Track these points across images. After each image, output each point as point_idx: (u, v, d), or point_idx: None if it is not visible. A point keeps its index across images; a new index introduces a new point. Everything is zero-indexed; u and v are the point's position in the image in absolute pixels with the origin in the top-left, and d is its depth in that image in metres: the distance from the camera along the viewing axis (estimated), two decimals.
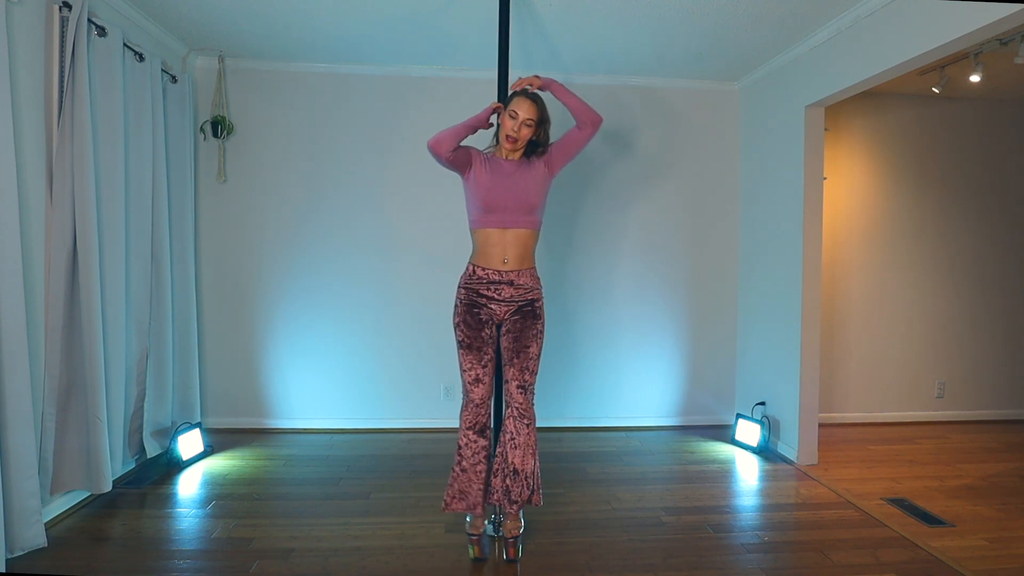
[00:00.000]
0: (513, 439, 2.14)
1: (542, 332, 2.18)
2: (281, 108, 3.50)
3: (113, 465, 2.56)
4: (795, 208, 3.16)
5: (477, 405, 2.14)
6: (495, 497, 2.17)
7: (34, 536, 2.07)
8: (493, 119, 2.23)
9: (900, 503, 2.65)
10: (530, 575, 2.06)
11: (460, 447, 2.17)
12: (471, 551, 2.13)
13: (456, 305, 2.17)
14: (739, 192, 3.79)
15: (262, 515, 2.47)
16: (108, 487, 2.42)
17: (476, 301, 2.13)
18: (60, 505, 2.39)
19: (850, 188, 3.86)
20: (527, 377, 2.14)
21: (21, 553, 2.04)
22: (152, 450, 2.90)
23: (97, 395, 2.36)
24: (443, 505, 2.18)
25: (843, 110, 3.76)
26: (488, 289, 2.12)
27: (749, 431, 3.37)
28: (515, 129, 2.09)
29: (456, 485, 2.17)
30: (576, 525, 2.39)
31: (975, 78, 3.14)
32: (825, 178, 3.29)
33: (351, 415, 3.60)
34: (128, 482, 2.74)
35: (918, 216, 3.93)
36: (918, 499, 2.70)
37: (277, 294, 3.54)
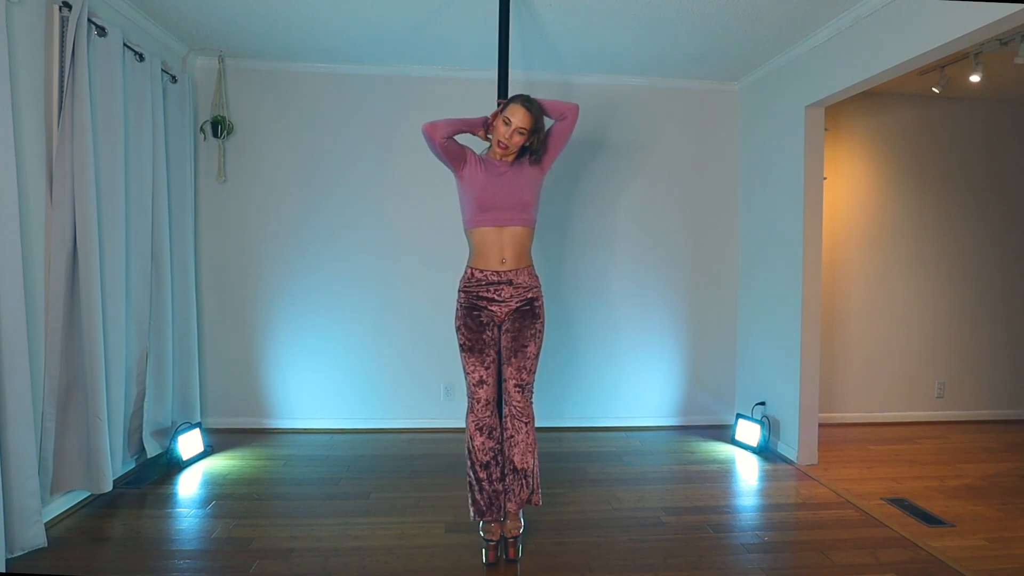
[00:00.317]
0: (512, 438, 2.14)
1: (541, 331, 2.18)
2: (281, 108, 3.50)
3: (113, 465, 2.56)
4: (795, 208, 3.16)
5: (483, 407, 2.14)
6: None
7: (34, 536, 2.07)
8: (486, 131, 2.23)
9: (900, 503, 2.65)
10: (530, 575, 2.06)
11: (470, 451, 2.15)
12: (485, 556, 2.11)
13: (456, 308, 2.17)
14: (739, 192, 3.79)
15: (262, 515, 2.47)
16: (108, 487, 2.42)
17: (476, 304, 2.13)
18: (60, 505, 2.39)
19: (850, 188, 3.86)
20: (524, 376, 2.15)
21: (21, 553, 2.04)
22: (152, 450, 2.90)
23: (97, 395, 2.36)
24: (473, 515, 2.12)
25: (843, 110, 3.76)
26: (488, 291, 2.12)
27: (749, 431, 3.37)
28: (507, 136, 2.09)
29: (481, 492, 2.12)
30: (576, 525, 2.39)
31: (975, 78, 3.14)
32: (825, 178, 3.29)
33: (351, 415, 3.60)
34: (128, 482, 2.74)
35: (918, 216, 3.93)
36: (918, 499, 2.70)
37: (277, 294, 3.54)
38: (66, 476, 2.35)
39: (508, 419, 2.16)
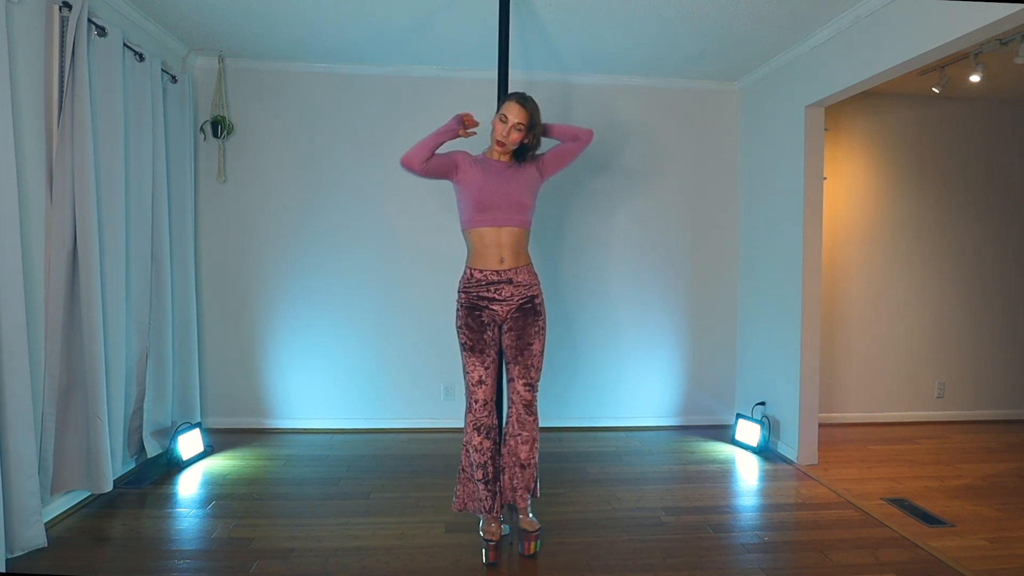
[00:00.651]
0: (520, 435, 2.16)
1: (544, 328, 2.20)
2: (281, 108, 3.50)
3: (113, 465, 2.56)
4: (795, 208, 3.16)
5: (481, 406, 2.14)
6: (507, 496, 2.20)
7: (34, 536, 2.07)
8: (476, 128, 2.23)
9: (900, 503, 2.65)
10: (530, 575, 2.06)
11: (467, 450, 2.18)
12: (484, 556, 2.11)
13: (457, 309, 2.17)
14: (739, 192, 3.79)
15: (262, 515, 2.47)
16: (108, 487, 2.42)
17: (477, 304, 2.14)
18: (60, 505, 2.39)
19: (850, 188, 3.86)
20: (532, 375, 2.16)
21: (21, 553, 2.04)
22: (152, 450, 2.90)
23: (97, 395, 2.36)
24: (454, 505, 2.20)
25: (843, 110, 3.76)
26: (488, 290, 2.12)
27: (749, 431, 3.37)
28: (504, 133, 2.11)
29: (467, 487, 2.19)
30: (576, 525, 2.39)
31: (975, 78, 3.14)
32: (825, 178, 3.29)
33: (351, 415, 3.60)
34: (128, 482, 2.74)
35: (918, 216, 3.93)
36: (918, 499, 2.70)
37: (277, 294, 3.54)
38: (66, 476, 2.35)
39: (515, 416, 2.18)
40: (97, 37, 2.42)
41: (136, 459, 2.91)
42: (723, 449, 3.37)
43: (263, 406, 3.56)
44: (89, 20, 2.36)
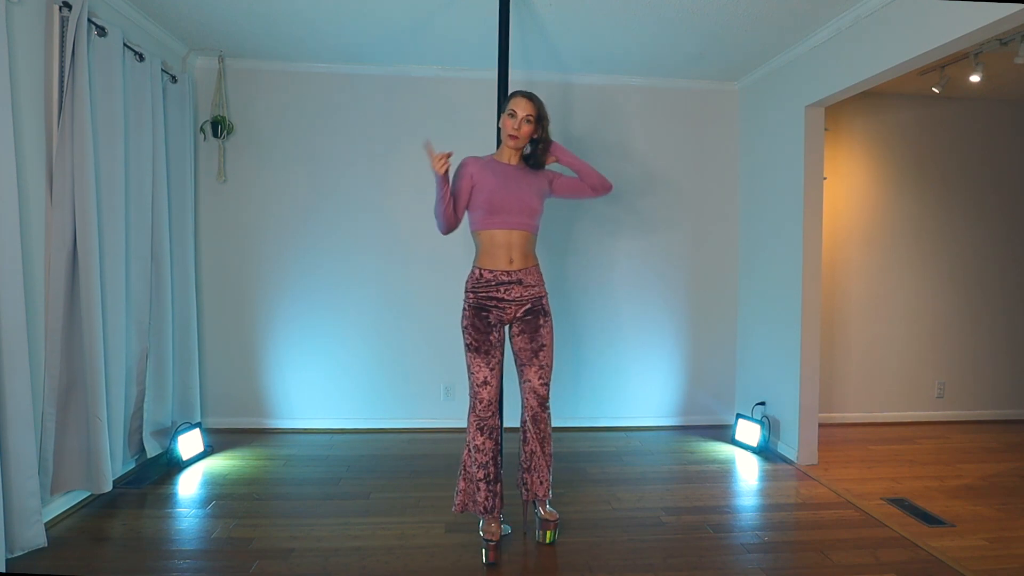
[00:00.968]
0: (538, 432, 2.21)
1: (552, 328, 2.25)
2: (281, 108, 3.50)
3: (113, 465, 2.56)
4: (795, 208, 3.16)
5: (485, 407, 2.15)
6: (530, 494, 2.25)
7: (34, 536, 2.07)
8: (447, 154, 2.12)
9: (900, 503, 2.65)
10: (531, 574, 2.06)
11: (469, 450, 2.17)
12: (484, 556, 2.11)
13: (464, 309, 2.18)
14: (739, 192, 3.79)
15: (262, 515, 2.47)
16: (108, 487, 2.42)
17: (485, 304, 2.15)
18: (60, 505, 2.39)
19: (850, 188, 3.86)
20: (546, 374, 2.22)
21: (21, 553, 2.04)
22: (152, 450, 2.90)
23: (97, 395, 2.36)
24: (454, 506, 2.20)
25: (843, 110, 3.76)
26: (498, 290, 2.14)
27: (749, 431, 3.37)
28: (516, 127, 2.14)
29: (467, 488, 2.19)
30: (576, 525, 2.39)
31: (975, 78, 3.14)
32: (825, 178, 3.29)
33: (351, 415, 3.60)
34: (128, 482, 2.74)
35: (918, 216, 3.93)
36: (918, 499, 2.70)
37: (277, 294, 3.54)
38: (66, 476, 2.35)
39: (530, 415, 2.22)
40: (97, 37, 2.42)
41: (136, 459, 2.91)
42: (723, 449, 3.37)
43: (263, 406, 3.56)
44: (89, 20, 2.36)
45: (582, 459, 3.16)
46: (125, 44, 2.61)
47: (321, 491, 2.71)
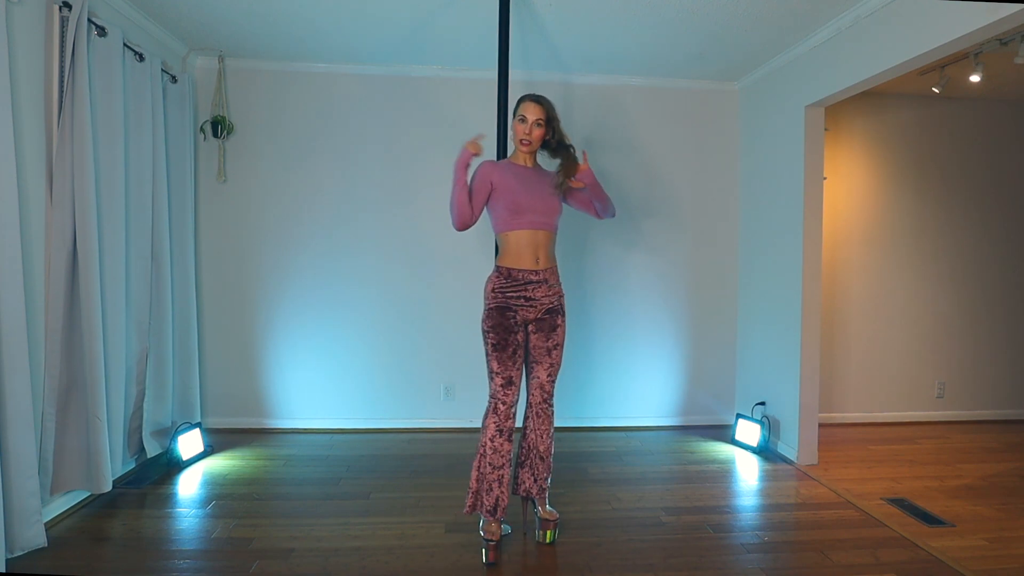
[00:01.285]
0: (539, 428, 2.24)
1: (565, 328, 2.29)
2: (281, 108, 3.50)
3: (113, 465, 2.56)
4: (795, 208, 3.16)
5: (507, 409, 2.14)
6: (523, 488, 2.27)
7: (34, 536, 2.07)
8: (481, 138, 2.20)
9: (900, 503, 2.65)
10: (531, 574, 2.06)
11: (485, 452, 2.14)
12: (485, 556, 2.10)
13: (489, 309, 2.16)
14: (739, 192, 3.79)
15: (262, 515, 2.47)
16: (108, 487, 2.42)
17: (511, 304, 2.15)
18: (60, 505, 2.39)
19: (850, 188, 3.86)
20: (555, 372, 2.26)
21: (21, 553, 2.04)
22: (152, 450, 2.90)
23: (97, 395, 2.36)
24: (466, 508, 2.17)
25: (843, 110, 3.76)
26: (525, 290, 2.15)
27: (749, 431, 3.37)
28: (527, 132, 2.16)
29: (477, 489, 2.17)
30: (576, 525, 2.39)
31: (975, 78, 3.14)
32: (825, 178, 3.29)
33: (351, 415, 3.60)
34: (128, 482, 2.74)
35: (918, 216, 3.93)
36: (918, 499, 2.70)
37: (277, 294, 3.54)
38: (66, 476, 2.35)
39: (534, 410, 2.25)
40: (97, 37, 2.42)
41: (136, 459, 2.91)
42: (723, 449, 3.37)
43: (263, 406, 3.56)
44: (89, 20, 2.36)
45: (582, 459, 3.16)
46: (125, 44, 2.61)
47: (321, 491, 2.71)
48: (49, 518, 2.29)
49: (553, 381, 2.26)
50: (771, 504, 2.67)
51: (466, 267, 3.52)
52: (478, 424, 3.49)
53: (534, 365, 2.25)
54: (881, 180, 3.90)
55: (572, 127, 3.60)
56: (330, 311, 3.56)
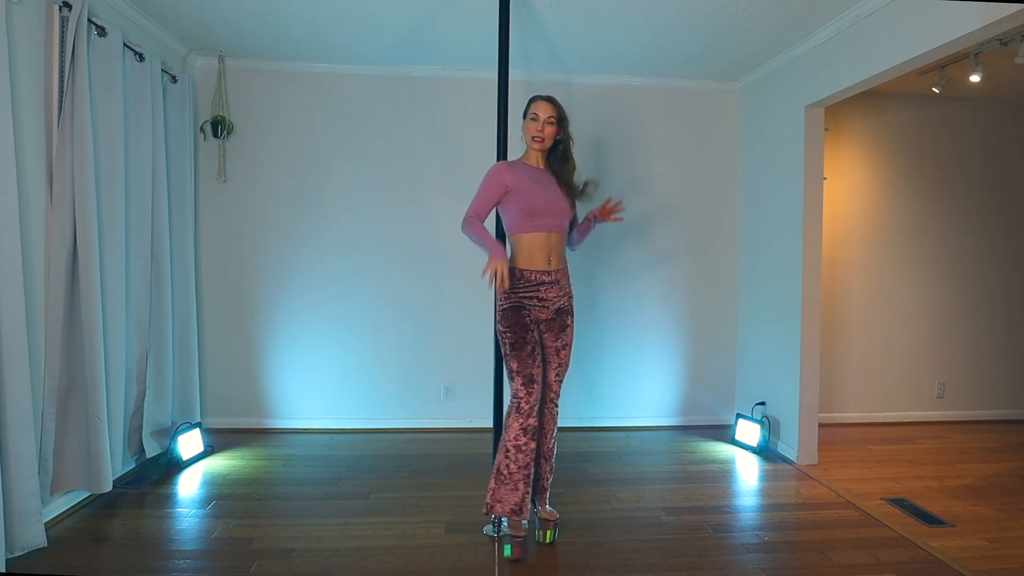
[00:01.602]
0: (544, 427, 2.26)
1: (574, 328, 2.32)
2: (281, 108, 3.50)
3: (113, 465, 2.55)
4: (795, 208, 3.16)
5: (531, 408, 2.13)
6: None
7: (34, 536, 2.07)
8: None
9: (900, 503, 2.65)
10: (531, 574, 2.06)
11: (509, 451, 2.12)
12: (509, 551, 2.11)
13: (504, 309, 2.17)
14: (739, 192, 3.79)
15: (262, 515, 2.47)
16: (108, 487, 2.42)
17: (525, 303, 2.16)
18: (60, 505, 2.39)
19: (850, 188, 3.86)
20: (563, 371, 2.28)
21: (21, 553, 2.04)
22: (152, 450, 2.90)
23: (97, 395, 2.36)
24: (486, 508, 2.14)
25: (843, 110, 3.76)
26: (538, 290, 2.17)
27: (749, 431, 3.37)
28: (539, 129, 2.19)
29: (503, 489, 2.13)
30: (576, 525, 2.39)
31: (975, 78, 3.14)
32: (825, 178, 3.29)
33: (351, 415, 3.60)
34: (128, 482, 2.74)
35: (918, 216, 3.93)
36: (918, 499, 2.70)
37: (277, 294, 3.54)
38: (66, 476, 2.35)
39: (543, 409, 2.26)
40: (97, 37, 2.42)
41: (136, 459, 2.90)
42: (723, 449, 3.37)
43: (263, 406, 3.56)
44: (89, 20, 2.36)
45: (582, 459, 3.16)
46: (125, 44, 2.61)
47: (321, 491, 2.71)
48: (49, 518, 2.29)
49: (560, 381, 2.28)
50: (771, 504, 2.67)
51: (466, 267, 3.51)
52: (478, 424, 3.54)
53: (543, 365, 2.26)
54: (881, 180, 3.90)
55: (572, 127, 3.58)
56: (330, 311, 3.56)
